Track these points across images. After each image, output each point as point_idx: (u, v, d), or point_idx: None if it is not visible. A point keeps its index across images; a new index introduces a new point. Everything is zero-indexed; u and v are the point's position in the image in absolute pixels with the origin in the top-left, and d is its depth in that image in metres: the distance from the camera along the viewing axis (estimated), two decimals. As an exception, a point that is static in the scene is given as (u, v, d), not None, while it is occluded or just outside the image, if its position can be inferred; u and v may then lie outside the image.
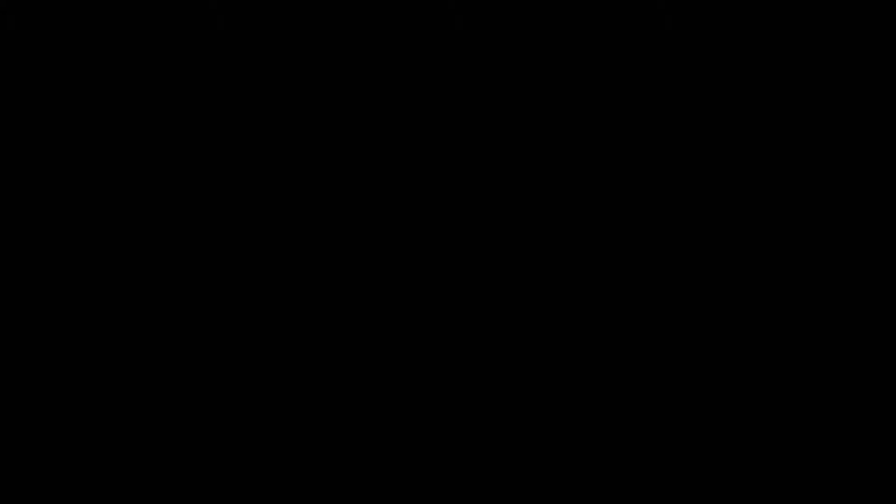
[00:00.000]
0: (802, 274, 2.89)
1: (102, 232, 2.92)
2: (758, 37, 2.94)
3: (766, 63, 2.93)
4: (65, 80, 2.95)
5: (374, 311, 2.90)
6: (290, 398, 2.89)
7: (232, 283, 2.91)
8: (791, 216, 2.90)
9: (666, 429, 2.86)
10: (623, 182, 2.92)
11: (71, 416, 2.87)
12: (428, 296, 2.90)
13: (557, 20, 2.96)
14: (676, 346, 2.88)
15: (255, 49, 2.96)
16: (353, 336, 2.90)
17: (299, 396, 2.89)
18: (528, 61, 2.95)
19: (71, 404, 2.88)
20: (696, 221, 2.91)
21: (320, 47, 2.96)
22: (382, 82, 2.96)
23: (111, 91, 2.95)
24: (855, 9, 2.92)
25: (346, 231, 2.92)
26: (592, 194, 2.92)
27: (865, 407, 2.84)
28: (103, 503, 2.84)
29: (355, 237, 2.92)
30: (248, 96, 2.95)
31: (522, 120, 2.94)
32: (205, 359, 2.89)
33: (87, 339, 2.89)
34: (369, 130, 2.95)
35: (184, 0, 2.96)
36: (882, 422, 2.83)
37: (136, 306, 2.90)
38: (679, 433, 2.85)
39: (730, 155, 2.92)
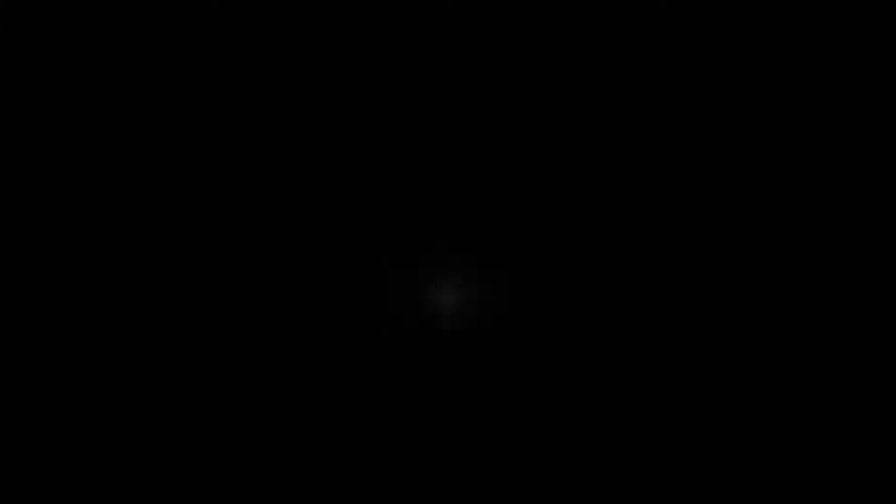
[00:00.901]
0: (801, 273, 2.90)
1: (102, 231, 2.92)
2: (758, 37, 2.94)
3: (766, 63, 2.94)
4: (64, 79, 2.95)
5: (372, 310, 2.91)
6: (290, 397, 2.89)
7: (231, 281, 2.91)
8: (790, 215, 2.90)
9: (666, 428, 2.87)
10: (622, 180, 2.93)
11: (70, 416, 2.88)
12: (427, 295, 2.91)
13: (557, 20, 2.97)
14: (676, 344, 2.89)
15: (254, 49, 2.97)
16: (350, 335, 2.91)
17: (298, 396, 2.89)
18: (527, 60, 2.96)
19: (70, 403, 2.88)
20: (695, 220, 2.91)
21: (320, 47, 2.97)
22: (382, 82, 2.96)
23: (111, 91, 2.95)
24: (855, 9, 2.93)
25: (344, 230, 2.93)
26: (592, 192, 2.93)
27: (865, 407, 2.85)
28: (103, 503, 2.85)
29: (354, 236, 2.93)
30: (247, 96, 2.96)
31: (522, 119, 2.95)
32: (203, 357, 2.90)
33: (86, 337, 2.89)
34: (369, 129, 2.95)
35: (184, 0, 2.96)
36: (882, 421, 2.84)
37: (135, 305, 2.90)
38: (679, 433, 2.86)
39: (729, 154, 2.92)
